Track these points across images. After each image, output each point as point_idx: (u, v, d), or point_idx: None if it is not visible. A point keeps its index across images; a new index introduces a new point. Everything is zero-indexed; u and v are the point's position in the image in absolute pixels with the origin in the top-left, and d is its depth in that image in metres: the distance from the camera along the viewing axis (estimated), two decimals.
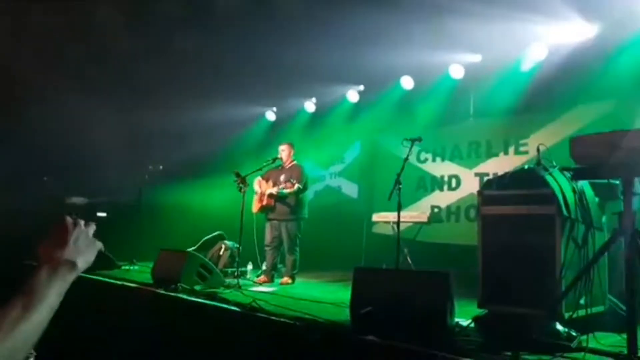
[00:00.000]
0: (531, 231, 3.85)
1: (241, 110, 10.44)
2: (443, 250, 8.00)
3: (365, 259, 8.47)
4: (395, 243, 5.91)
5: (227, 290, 6.02)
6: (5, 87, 8.54)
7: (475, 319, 3.97)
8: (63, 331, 5.56)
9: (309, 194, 7.33)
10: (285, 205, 7.08)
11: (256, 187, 7.26)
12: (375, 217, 8.06)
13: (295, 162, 7.33)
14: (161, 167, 8.73)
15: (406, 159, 5.72)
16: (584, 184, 4.11)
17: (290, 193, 6.99)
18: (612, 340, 3.64)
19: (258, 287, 6.67)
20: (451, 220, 8.45)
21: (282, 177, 7.08)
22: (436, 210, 8.55)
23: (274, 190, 7.00)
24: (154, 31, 8.09)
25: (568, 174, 3.96)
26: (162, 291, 5.89)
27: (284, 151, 7.31)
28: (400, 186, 5.57)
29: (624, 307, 3.98)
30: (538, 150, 4.16)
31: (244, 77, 9.09)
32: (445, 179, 8.65)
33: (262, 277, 7.18)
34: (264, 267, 7.38)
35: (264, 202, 7.11)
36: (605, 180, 4.16)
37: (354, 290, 4.27)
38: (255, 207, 7.25)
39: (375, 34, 7.27)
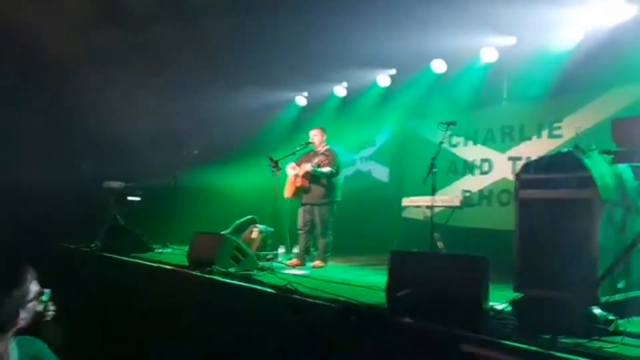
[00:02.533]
0: (569, 215, 3.81)
1: (272, 95, 10.50)
2: (474, 235, 7.98)
3: (397, 244, 8.47)
4: (426, 227, 5.93)
5: (261, 273, 6.12)
6: (44, 70, 8.74)
7: (512, 302, 3.97)
8: (99, 310, 5.73)
9: (340, 178, 7.34)
10: (318, 189, 7.11)
11: (290, 171, 7.31)
12: (406, 202, 8.05)
13: (327, 146, 7.35)
14: (196, 151, 8.84)
15: (441, 142, 5.71)
16: (624, 168, 4.05)
17: (323, 173, 7.02)
18: None
19: (291, 270, 6.76)
20: (483, 205, 8.41)
21: (315, 161, 7.11)
22: (467, 194, 8.51)
23: (308, 168, 7.00)
24: (189, 19, 8.17)
25: (608, 157, 3.91)
26: (197, 273, 6.02)
27: (315, 136, 7.34)
28: (435, 170, 5.57)
29: None
30: (576, 133, 4.11)
31: (275, 63, 9.13)
32: (477, 163, 8.60)
33: (295, 260, 7.25)
34: (295, 251, 7.45)
35: (299, 183, 7.13)
36: None
37: (390, 273, 4.30)
38: (288, 192, 7.30)
39: (407, 17, 7.20)
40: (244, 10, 7.78)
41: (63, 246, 8.58)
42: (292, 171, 7.29)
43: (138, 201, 9.98)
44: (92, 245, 8.37)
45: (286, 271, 6.55)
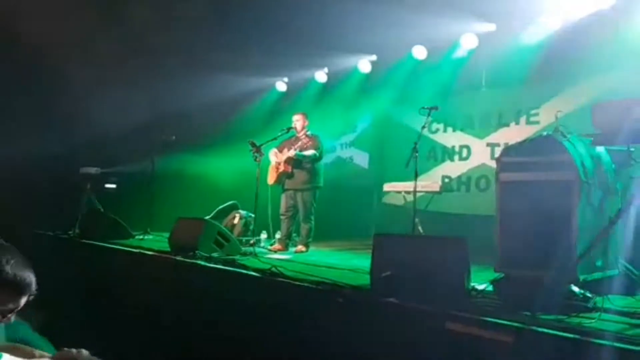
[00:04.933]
0: (549, 196, 3.90)
1: (252, 80, 10.45)
2: (454, 220, 8.12)
3: (376, 229, 8.56)
4: (406, 213, 6.02)
5: (244, 258, 6.14)
6: (15, 55, 8.57)
7: (493, 282, 4.06)
8: (81, 299, 5.69)
9: (322, 164, 7.38)
10: (301, 174, 7.15)
11: (272, 157, 7.33)
12: (387, 187, 8.15)
13: (309, 132, 7.38)
14: (174, 137, 8.75)
15: (423, 127, 5.77)
16: (602, 151, 4.16)
17: (306, 157, 7.06)
18: (626, 302, 3.75)
19: (273, 254, 6.80)
20: (462, 190, 8.53)
21: (297, 145, 7.13)
22: (447, 180, 8.63)
23: (291, 153, 7.03)
24: (164, 2, 8.08)
25: (587, 140, 4.01)
26: (180, 258, 6.01)
27: (298, 121, 7.35)
28: (417, 154, 5.64)
29: (636, 272, 4.09)
30: (556, 117, 4.21)
31: (255, 47, 9.08)
32: (457, 149, 8.71)
33: (277, 245, 7.29)
34: (277, 236, 7.49)
35: (282, 169, 7.17)
36: (624, 147, 4.23)
37: (374, 255, 4.37)
38: (271, 178, 7.31)
39: (388, 2, 7.23)
40: None
41: (40, 233, 8.46)
42: (275, 158, 7.31)
43: (113, 189, 9.91)
44: (70, 232, 8.29)
45: (269, 256, 6.59)
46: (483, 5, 7.14)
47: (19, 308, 2.17)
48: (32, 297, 2.21)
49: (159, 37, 8.51)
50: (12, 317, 2.18)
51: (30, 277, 2.16)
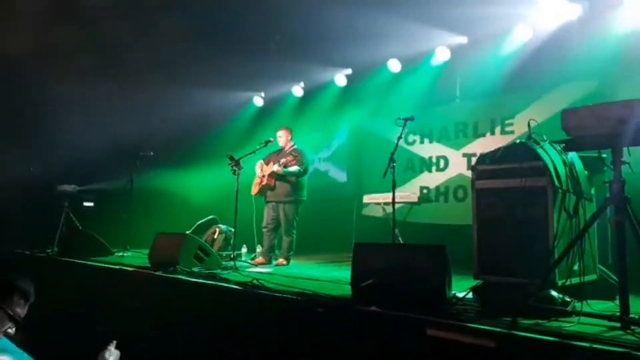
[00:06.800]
0: (524, 203, 3.98)
1: (229, 95, 10.49)
2: (433, 230, 8.17)
3: (356, 242, 8.57)
4: (386, 224, 6.04)
5: (225, 272, 6.12)
6: None
7: (473, 289, 4.11)
8: (61, 314, 5.61)
9: (306, 178, 7.41)
10: (284, 187, 7.17)
11: (258, 170, 7.35)
12: (366, 199, 8.19)
13: (295, 145, 7.41)
14: (151, 153, 8.72)
15: (400, 137, 5.81)
16: (573, 157, 4.26)
17: (292, 172, 7.08)
18: (604, 307, 3.80)
19: (254, 268, 6.78)
20: (440, 201, 8.60)
21: (282, 161, 7.14)
22: (425, 191, 8.70)
23: (276, 169, 7.05)
24: (143, 17, 8.07)
25: (559, 147, 4.10)
26: (160, 273, 5.97)
27: (281, 137, 7.39)
28: (394, 164, 5.68)
29: (613, 277, 4.17)
30: (529, 125, 4.29)
31: (231, 63, 9.10)
32: (434, 160, 8.80)
33: (260, 259, 7.27)
34: (258, 249, 7.48)
35: (264, 182, 7.19)
36: (595, 153, 4.35)
37: (354, 264, 4.40)
38: (254, 190, 7.34)
39: (362, 17, 7.32)
40: (199, 9, 7.75)
41: (17, 252, 8.34)
42: (260, 170, 7.33)
43: (91, 207, 9.81)
44: (49, 250, 8.18)
45: (250, 269, 6.57)
46: (454, 19, 7.28)
47: (22, 315, 2.48)
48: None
49: (137, 52, 8.49)
50: (13, 329, 2.34)
51: (32, 287, 2.53)
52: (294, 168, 7.08)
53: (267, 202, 7.34)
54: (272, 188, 7.20)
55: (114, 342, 2.26)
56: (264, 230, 7.33)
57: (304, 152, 7.34)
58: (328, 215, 9.42)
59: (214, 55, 8.82)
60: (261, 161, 7.41)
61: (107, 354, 2.24)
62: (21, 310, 2.45)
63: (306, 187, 7.37)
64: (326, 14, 7.31)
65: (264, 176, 7.23)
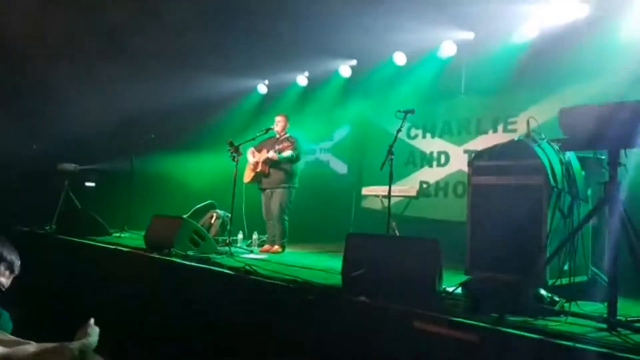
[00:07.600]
0: (519, 201, 3.98)
1: (234, 82, 10.46)
2: (430, 225, 8.14)
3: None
4: (384, 217, 6.01)
5: (219, 257, 6.14)
6: None
7: (462, 284, 4.12)
8: (57, 293, 5.65)
9: (300, 165, 7.41)
10: (279, 174, 7.16)
11: (250, 157, 7.34)
12: (365, 191, 8.18)
13: (288, 134, 7.40)
14: (153, 135, 8.73)
15: (399, 130, 5.78)
16: (571, 157, 4.24)
17: (286, 157, 7.07)
18: (593, 308, 3.78)
19: (249, 254, 6.80)
20: (439, 196, 8.59)
21: (277, 147, 7.14)
22: (425, 186, 8.69)
23: (271, 154, 7.05)
24: (146, 3, 8.06)
25: (556, 146, 4.08)
26: (155, 255, 6.00)
27: (279, 122, 7.36)
28: (392, 157, 5.67)
29: (605, 278, 4.16)
30: (528, 123, 4.27)
31: (236, 49, 9.09)
32: (435, 155, 8.77)
33: (267, 246, 7.26)
34: (254, 236, 7.49)
35: (259, 169, 7.19)
36: (591, 154, 4.33)
37: (346, 254, 4.39)
38: (247, 177, 7.33)
39: (369, 8, 7.29)
40: None
41: (15, 229, 8.38)
42: (252, 157, 7.32)
43: (92, 187, 9.85)
44: (47, 227, 8.21)
45: (245, 255, 6.59)
46: (461, 13, 7.24)
47: (7, 286, 2.51)
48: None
49: (141, 37, 8.49)
50: None
51: (18, 260, 2.56)
52: (287, 153, 7.07)
53: (262, 189, 7.34)
54: (267, 175, 7.20)
55: (92, 319, 2.27)
56: (266, 219, 7.36)
57: (298, 139, 7.32)
58: (327, 206, 9.43)
59: (219, 42, 8.81)
60: (252, 148, 7.41)
61: (88, 330, 2.25)
62: (5, 281, 2.48)
63: (299, 175, 7.36)
64: (334, 3, 7.28)
65: (257, 163, 7.22)
